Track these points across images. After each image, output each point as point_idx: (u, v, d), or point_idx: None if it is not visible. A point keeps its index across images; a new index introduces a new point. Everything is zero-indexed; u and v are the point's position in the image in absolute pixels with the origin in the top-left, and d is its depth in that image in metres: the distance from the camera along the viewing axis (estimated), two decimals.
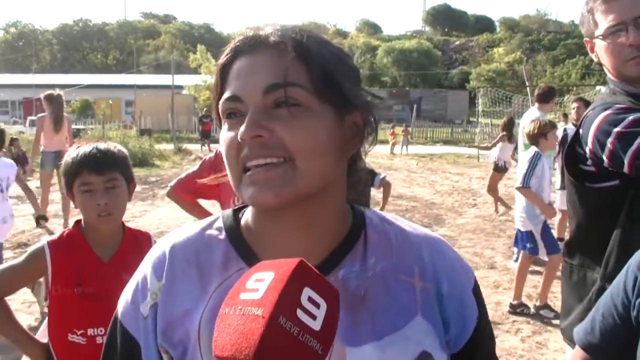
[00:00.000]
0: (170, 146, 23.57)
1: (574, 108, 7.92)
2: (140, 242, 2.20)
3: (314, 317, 0.77)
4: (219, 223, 1.04)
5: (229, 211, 1.06)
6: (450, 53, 76.11)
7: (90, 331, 2.06)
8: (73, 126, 10.62)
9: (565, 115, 14.14)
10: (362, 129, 0.99)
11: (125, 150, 2.24)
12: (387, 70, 68.49)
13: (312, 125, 0.90)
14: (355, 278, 0.95)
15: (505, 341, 5.10)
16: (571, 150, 2.04)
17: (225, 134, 0.93)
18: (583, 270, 2.05)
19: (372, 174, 5.88)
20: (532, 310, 5.63)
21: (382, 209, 6.64)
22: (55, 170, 8.95)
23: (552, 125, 5.93)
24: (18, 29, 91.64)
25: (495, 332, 5.20)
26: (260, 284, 0.79)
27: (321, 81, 0.91)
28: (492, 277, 6.97)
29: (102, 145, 2.14)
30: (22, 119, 42.59)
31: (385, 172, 17.32)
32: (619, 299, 1.38)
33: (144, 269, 1.03)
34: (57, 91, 9.25)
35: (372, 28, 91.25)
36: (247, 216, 1.03)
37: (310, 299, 0.78)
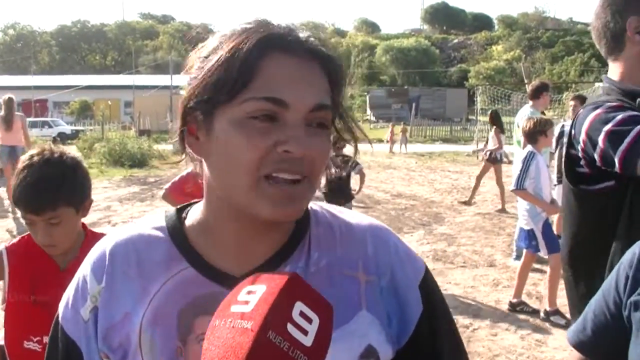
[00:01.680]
0: (169, 147, 23.56)
1: (570, 105, 7.92)
2: None
3: (305, 332, 0.76)
4: (161, 222, 1.00)
5: (172, 210, 1.03)
6: (449, 51, 76.11)
7: (46, 339, 1.98)
8: (72, 127, 13.35)
9: None
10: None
11: (76, 167, 2.00)
12: (385, 68, 68.54)
13: (330, 148, 0.91)
14: (300, 274, 0.91)
15: (505, 339, 5.10)
16: (567, 152, 2.00)
17: (248, 135, 0.85)
18: (586, 279, 1.98)
19: (355, 163, 6.96)
20: (545, 309, 5.60)
21: (358, 192, 7.82)
22: (13, 163, 9.91)
23: (551, 124, 5.93)
24: (16, 30, 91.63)
25: (495, 330, 5.24)
26: (251, 296, 0.78)
27: (338, 106, 0.93)
28: (491, 275, 6.97)
29: (43, 171, 1.90)
30: None
31: (384, 170, 17.37)
32: (610, 297, 1.37)
33: (84, 270, 1.00)
34: (8, 95, 10.66)
35: (370, 27, 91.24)
36: (193, 216, 1.00)
37: (302, 314, 0.77)
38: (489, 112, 12.00)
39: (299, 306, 0.77)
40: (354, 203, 11.46)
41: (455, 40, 78.86)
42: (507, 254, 7.85)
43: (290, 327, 0.75)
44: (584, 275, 2.00)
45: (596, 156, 1.81)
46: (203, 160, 0.94)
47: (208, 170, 0.93)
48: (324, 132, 0.89)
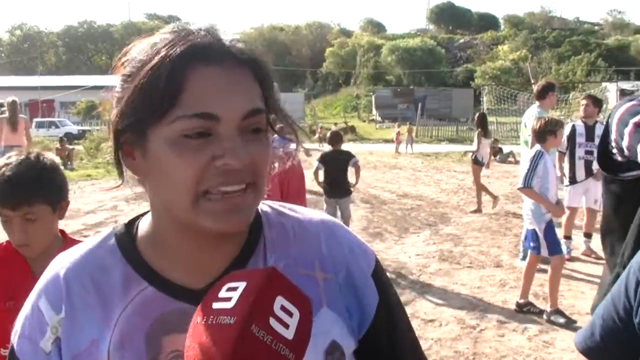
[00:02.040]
0: None
1: (582, 105, 7.87)
2: None
3: (286, 326, 0.77)
4: (111, 240, 0.97)
5: (120, 226, 1.00)
6: (455, 51, 75.92)
7: None
8: (79, 127, 13.40)
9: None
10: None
11: (53, 166, 2.00)
12: (391, 69, 68.42)
13: (268, 149, 0.90)
14: None
15: (512, 340, 5.08)
16: (601, 141, 2.10)
17: (182, 154, 0.83)
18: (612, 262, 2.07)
19: (351, 156, 7.82)
20: (545, 310, 5.59)
21: (355, 185, 8.06)
22: None
23: (562, 125, 5.91)
24: (23, 31, 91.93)
25: (502, 331, 5.22)
26: (232, 293, 0.78)
27: (273, 106, 0.92)
28: (498, 276, 6.95)
29: (20, 169, 1.90)
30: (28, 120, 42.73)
31: (390, 170, 17.34)
32: (620, 302, 1.35)
33: (36, 300, 0.97)
34: (12, 98, 11.13)
35: (376, 27, 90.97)
36: (143, 230, 0.97)
37: (282, 308, 0.78)
38: (477, 115, 12.23)
39: (279, 300, 0.78)
40: (360, 204, 11.52)
41: (461, 40, 78.62)
42: (513, 254, 7.84)
43: (272, 321, 0.76)
44: (615, 262, 2.07)
45: (624, 146, 1.88)
46: (144, 180, 0.93)
47: (150, 189, 0.92)
48: (260, 137, 0.88)
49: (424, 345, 4.99)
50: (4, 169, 1.90)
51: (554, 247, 5.56)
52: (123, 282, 0.93)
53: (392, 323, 1.04)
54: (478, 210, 11.14)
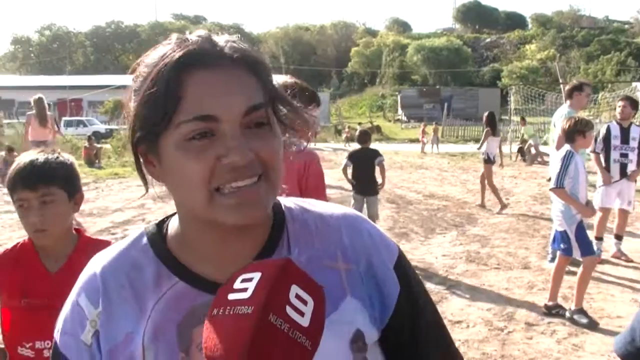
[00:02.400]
0: None
1: (619, 106, 7.74)
2: (95, 250, 2.11)
3: (302, 314, 0.79)
4: (144, 240, 1.03)
5: (152, 226, 1.06)
6: (481, 50, 75.40)
7: (38, 344, 2.02)
8: (106, 126, 14.21)
9: None
10: (292, 129, 1.02)
11: (70, 161, 2.11)
12: (417, 68, 68.16)
13: (278, 143, 0.94)
14: None
15: (540, 342, 5.01)
16: None
17: (190, 156, 0.88)
18: None
19: (378, 155, 8.00)
20: (568, 314, 5.51)
21: (382, 184, 8.24)
22: None
23: (592, 126, 5.81)
24: (52, 31, 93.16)
25: (530, 334, 5.15)
26: (248, 284, 0.80)
27: (274, 98, 0.95)
28: (526, 278, 6.87)
29: (40, 157, 2.02)
30: (56, 119, 43.29)
31: (416, 170, 17.25)
32: None
33: (76, 297, 1.02)
34: (38, 95, 11.74)
35: (401, 26, 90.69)
36: (173, 228, 1.04)
37: (297, 296, 0.79)
38: (485, 114, 12.37)
39: (294, 289, 0.80)
40: (385, 204, 11.48)
41: (488, 40, 78.02)
42: (542, 256, 7.74)
43: (288, 309, 0.77)
44: None
45: None
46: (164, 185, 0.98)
47: (171, 193, 0.98)
48: (265, 130, 0.92)
49: None
50: (21, 160, 2.03)
51: (586, 248, 5.48)
52: (155, 278, 0.98)
53: (415, 315, 1.06)
54: (503, 207, 11.11)
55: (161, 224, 1.06)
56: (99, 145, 21.82)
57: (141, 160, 0.98)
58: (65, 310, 1.03)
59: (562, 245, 5.60)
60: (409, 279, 1.08)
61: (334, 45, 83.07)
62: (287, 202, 1.08)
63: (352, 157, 8.15)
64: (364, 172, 8.02)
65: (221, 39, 0.94)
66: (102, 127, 36.24)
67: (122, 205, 11.69)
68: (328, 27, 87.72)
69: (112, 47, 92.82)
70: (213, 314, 0.80)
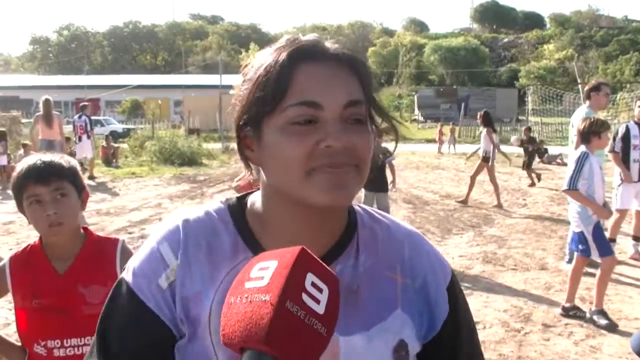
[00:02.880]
0: (218, 145, 23.81)
1: (638, 106, 7.65)
2: (103, 249, 2.16)
3: (317, 301, 0.80)
4: (225, 210, 1.09)
5: (234, 198, 1.12)
6: (499, 50, 75.02)
7: (49, 343, 2.04)
8: (124, 126, 17.20)
9: None
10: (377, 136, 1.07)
11: (73, 161, 2.17)
12: (434, 68, 67.96)
13: (371, 140, 1.00)
14: (349, 273, 1.04)
15: (557, 344, 4.98)
16: None
17: (291, 137, 0.95)
18: None
19: (388, 154, 8.08)
20: (588, 314, 5.47)
21: (393, 182, 8.59)
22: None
23: (607, 127, 5.75)
24: (71, 31, 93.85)
25: (547, 335, 5.12)
26: (264, 272, 0.82)
27: (369, 101, 1.02)
28: (543, 279, 6.82)
29: (46, 157, 2.08)
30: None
31: (433, 171, 17.19)
32: None
33: (158, 244, 1.05)
34: (45, 97, 12.83)
35: (419, 26, 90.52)
36: (254, 206, 1.09)
37: (313, 284, 0.81)
38: (480, 113, 12.50)
39: (310, 277, 0.81)
40: (402, 204, 11.46)
41: (506, 39, 77.61)
42: (559, 257, 7.69)
43: (304, 297, 0.79)
44: None
45: None
46: (260, 167, 1.04)
47: (265, 174, 1.03)
48: (361, 127, 0.98)
49: None
50: (29, 160, 2.08)
51: (604, 248, 5.44)
52: (231, 248, 1.04)
53: (456, 339, 1.12)
54: (499, 206, 11.56)
55: (242, 198, 1.11)
56: (116, 145, 21.92)
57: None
58: (142, 254, 1.07)
59: (580, 246, 5.55)
60: (457, 302, 1.13)
61: (351, 45, 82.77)
62: (359, 208, 1.14)
63: None
64: (374, 170, 8.02)
65: (329, 42, 1.02)
66: (119, 127, 36.46)
67: (139, 205, 11.75)
68: (345, 27, 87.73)
69: (130, 47, 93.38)
70: (230, 302, 0.81)
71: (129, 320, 1.03)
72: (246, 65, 1.05)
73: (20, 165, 2.07)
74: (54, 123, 12.60)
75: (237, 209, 1.09)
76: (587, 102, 7.30)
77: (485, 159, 11.78)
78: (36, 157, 2.07)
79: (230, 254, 1.03)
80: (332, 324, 0.81)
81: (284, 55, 0.97)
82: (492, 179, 11.90)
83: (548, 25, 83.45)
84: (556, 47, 67.11)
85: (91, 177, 14.86)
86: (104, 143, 20.74)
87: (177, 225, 1.06)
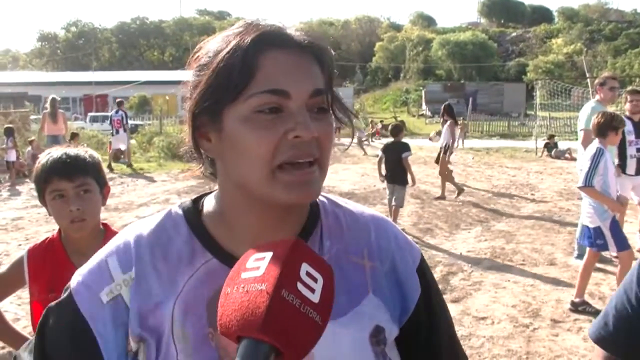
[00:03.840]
0: None
1: (630, 102, 7.51)
2: None
3: (312, 290, 0.80)
4: (179, 214, 1.06)
5: (187, 202, 1.09)
6: (507, 45, 74.65)
7: None
8: (132, 122, 19.00)
9: None
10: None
11: (97, 156, 2.18)
12: (441, 63, 67.66)
13: (332, 129, 0.98)
14: None
15: (566, 340, 4.96)
16: None
17: (258, 129, 0.91)
18: None
19: (405, 149, 8.95)
20: (599, 308, 5.45)
21: (411, 177, 9.07)
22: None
23: (624, 124, 5.72)
24: (78, 28, 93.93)
25: (556, 330, 5.10)
26: (260, 262, 0.82)
27: (331, 89, 1.00)
28: (552, 274, 6.80)
29: (72, 151, 2.07)
30: (82, 115, 43.71)
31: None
32: (632, 292, 1.36)
33: (107, 257, 1.03)
34: (52, 95, 14.60)
35: (426, 20, 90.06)
36: (210, 205, 1.06)
37: (308, 274, 0.81)
38: (443, 106, 12.91)
39: (304, 267, 0.82)
40: (410, 199, 11.43)
41: (514, 34, 77.21)
42: (568, 252, 7.66)
43: (300, 286, 0.79)
44: None
45: None
46: (216, 159, 1.02)
47: (224, 167, 1.00)
48: (325, 116, 0.97)
49: (475, 343, 4.93)
50: (51, 153, 2.07)
51: (622, 243, 5.42)
52: (189, 253, 1.01)
53: (431, 319, 1.11)
54: (460, 192, 11.90)
55: (197, 201, 1.09)
56: None
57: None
58: (90, 264, 1.05)
59: (597, 241, 5.53)
60: (429, 283, 1.12)
61: (358, 40, 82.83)
62: (320, 197, 1.11)
63: (385, 149, 9.22)
64: (393, 164, 8.97)
65: (292, 29, 0.98)
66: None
67: (147, 200, 11.77)
68: (352, 21, 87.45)
69: (137, 43, 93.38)
70: (227, 292, 0.81)
71: (64, 327, 1.02)
72: (197, 51, 1.01)
73: (45, 158, 2.07)
74: (58, 120, 14.06)
75: (192, 212, 1.06)
76: (596, 97, 7.25)
77: (445, 151, 12.05)
78: (61, 151, 2.07)
79: (188, 260, 1.00)
80: (327, 312, 0.81)
81: (247, 41, 0.93)
82: (442, 171, 12.18)
83: (556, 19, 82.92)
84: (564, 41, 66.69)
85: (129, 165, 17.42)
86: (111, 139, 20.76)
87: (128, 239, 1.04)
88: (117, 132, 17.20)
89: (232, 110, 0.93)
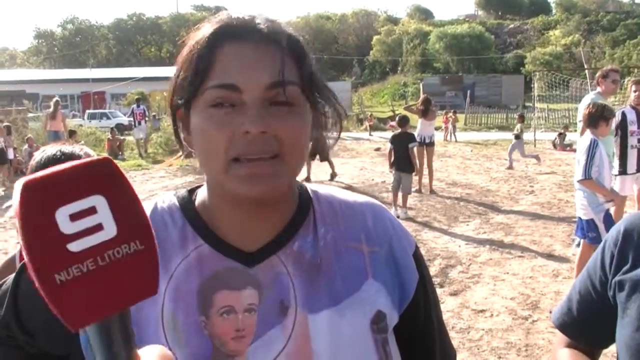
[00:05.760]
0: None
1: (634, 91, 7.53)
2: None
3: (98, 229, 0.55)
4: (173, 201, 1.05)
5: (182, 191, 1.08)
6: (504, 37, 74.52)
7: None
8: (129, 118, 24.10)
9: None
10: (324, 123, 1.03)
11: (92, 153, 2.11)
12: (439, 56, 67.54)
13: (301, 124, 0.94)
14: (310, 248, 1.00)
15: None
16: None
17: (211, 124, 0.90)
18: None
19: (411, 140, 9.85)
20: None
21: (415, 166, 9.94)
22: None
23: (614, 114, 5.72)
24: (75, 25, 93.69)
25: None
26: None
27: (308, 80, 0.95)
28: (551, 266, 6.80)
29: (67, 148, 2.05)
30: (80, 112, 43.65)
31: (439, 159, 17.12)
32: (596, 276, 1.34)
33: None
34: (56, 98, 16.69)
35: (423, 13, 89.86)
36: (202, 195, 1.05)
37: (74, 216, 0.54)
38: (421, 98, 13.19)
39: (63, 212, 0.54)
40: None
41: (511, 26, 77.03)
42: (566, 244, 7.66)
43: (74, 245, 0.54)
44: None
45: None
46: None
47: (197, 158, 0.99)
48: (289, 109, 0.92)
49: (474, 335, 4.93)
50: (51, 150, 2.07)
51: None
52: (181, 238, 0.99)
53: (428, 307, 1.10)
54: (418, 191, 11.89)
55: (192, 191, 1.08)
56: (122, 137, 21.98)
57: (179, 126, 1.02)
58: None
59: (589, 234, 5.53)
60: (424, 270, 1.11)
61: (355, 33, 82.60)
62: (312, 186, 1.11)
63: (393, 139, 10.08)
64: (400, 153, 9.71)
65: (259, 17, 0.96)
66: (125, 119, 36.38)
67: (145, 197, 11.75)
68: (349, 15, 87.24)
69: (134, 40, 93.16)
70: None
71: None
72: (181, 46, 1.00)
73: (39, 155, 2.06)
74: (58, 118, 15.82)
75: (186, 200, 1.05)
76: (597, 89, 7.23)
77: (431, 144, 12.50)
78: (56, 148, 2.05)
79: (180, 244, 0.99)
80: (138, 230, 0.58)
81: (207, 35, 0.93)
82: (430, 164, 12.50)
83: (554, 11, 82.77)
84: (562, 33, 66.54)
85: (146, 151, 20.22)
86: (109, 136, 20.78)
87: None
88: (140, 123, 20.08)
89: (195, 104, 0.93)
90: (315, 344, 0.94)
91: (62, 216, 0.54)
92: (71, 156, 2.03)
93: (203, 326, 0.94)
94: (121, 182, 0.58)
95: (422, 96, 13.19)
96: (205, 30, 0.95)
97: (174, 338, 0.93)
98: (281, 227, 1.01)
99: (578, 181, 5.63)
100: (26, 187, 0.55)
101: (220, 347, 0.93)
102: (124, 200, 0.57)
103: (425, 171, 12.15)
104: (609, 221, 5.42)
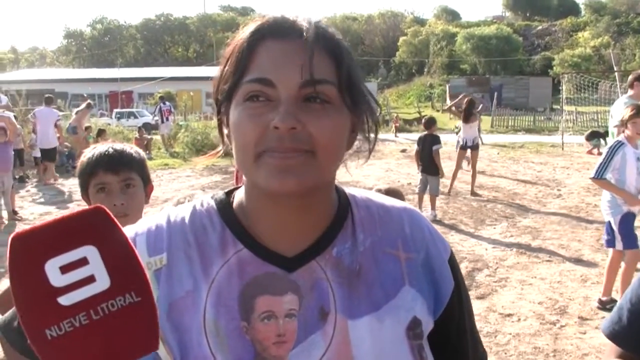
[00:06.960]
0: None
1: None
2: None
3: (90, 280, 0.55)
4: (212, 204, 1.05)
5: (220, 193, 1.08)
6: (532, 38, 73.87)
7: None
8: (156, 118, 23.51)
9: None
10: (361, 130, 1.03)
11: (142, 153, 2.17)
12: (466, 57, 67.14)
13: (336, 123, 0.93)
14: (348, 254, 0.99)
15: (594, 337, 4.89)
16: None
17: (245, 117, 0.92)
18: None
19: (436, 142, 9.74)
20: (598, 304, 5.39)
21: (440, 169, 9.75)
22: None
23: None
24: (104, 25, 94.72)
25: (584, 328, 5.04)
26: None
27: (345, 81, 0.95)
28: (579, 271, 6.72)
29: (118, 146, 2.07)
30: (108, 111, 44.08)
31: (464, 161, 17.00)
32: None
33: (135, 235, 1.01)
34: (88, 101, 17.94)
35: (450, 15, 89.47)
36: (239, 198, 1.05)
37: (65, 268, 0.54)
38: (466, 100, 12.88)
39: (52, 264, 0.54)
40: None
41: (539, 27, 76.33)
42: (595, 248, 7.57)
43: (63, 299, 0.53)
44: None
45: None
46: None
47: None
48: (324, 107, 0.92)
49: (501, 340, 4.88)
50: (97, 147, 2.07)
51: (629, 240, 5.33)
52: (221, 243, 0.99)
53: (462, 313, 1.10)
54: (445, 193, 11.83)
55: (229, 193, 1.08)
56: (149, 136, 22.13)
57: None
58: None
59: (605, 236, 5.47)
60: (459, 276, 1.11)
61: (382, 34, 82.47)
62: (350, 190, 1.10)
63: (419, 141, 10.06)
64: (426, 155, 9.76)
65: (301, 17, 0.97)
66: (152, 119, 36.75)
67: (171, 195, 11.82)
68: (376, 16, 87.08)
69: (162, 40, 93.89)
70: None
71: None
72: (229, 44, 1.02)
73: (90, 152, 2.06)
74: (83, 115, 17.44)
75: (224, 203, 1.04)
76: (630, 92, 7.12)
77: (475, 147, 12.48)
78: (107, 145, 2.06)
79: (220, 249, 0.98)
80: (134, 277, 0.57)
81: (249, 33, 0.95)
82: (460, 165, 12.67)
83: (583, 12, 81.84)
84: (591, 35, 65.79)
85: (171, 146, 20.92)
86: (136, 135, 20.94)
87: (161, 223, 1.02)
88: (167, 119, 21.41)
89: (234, 98, 0.95)
90: (356, 350, 0.94)
91: (52, 268, 0.53)
92: (122, 153, 2.04)
93: (245, 331, 0.94)
94: (113, 231, 0.57)
95: (465, 98, 12.88)
96: (249, 27, 0.96)
97: (216, 343, 0.93)
98: (320, 232, 1.00)
99: (590, 179, 5.60)
100: (14, 239, 0.54)
101: (262, 352, 0.93)
102: (116, 250, 0.56)
103: (461, 173, 12.24)
104: (625, 225, 5.33)
